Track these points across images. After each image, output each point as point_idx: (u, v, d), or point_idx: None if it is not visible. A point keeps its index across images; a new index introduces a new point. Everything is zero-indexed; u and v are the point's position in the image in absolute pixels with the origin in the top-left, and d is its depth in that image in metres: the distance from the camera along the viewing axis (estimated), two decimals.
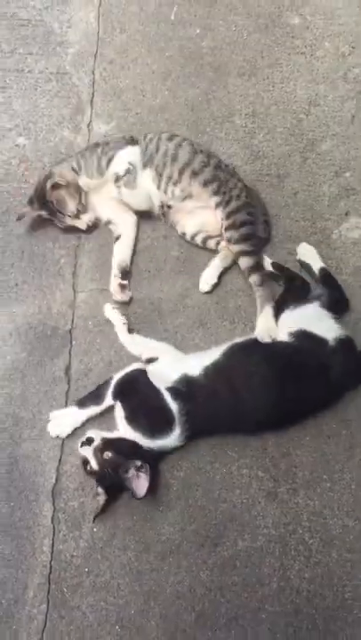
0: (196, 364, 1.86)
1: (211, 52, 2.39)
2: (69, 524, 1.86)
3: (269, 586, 1.81)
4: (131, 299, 2.07)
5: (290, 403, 1.84)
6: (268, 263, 2.05)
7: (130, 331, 1.99)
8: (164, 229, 2.15)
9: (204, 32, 2.42)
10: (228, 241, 2.01)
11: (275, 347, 1.87)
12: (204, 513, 1.87)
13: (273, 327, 1.94)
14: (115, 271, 2.06)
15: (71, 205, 2.03)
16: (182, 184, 2.02)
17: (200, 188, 2.01)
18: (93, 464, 1.76)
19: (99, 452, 1.76)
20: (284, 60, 2.38)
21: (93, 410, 1.89)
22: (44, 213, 2.06)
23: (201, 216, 2.06)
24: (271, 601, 1.80)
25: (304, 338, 1.86)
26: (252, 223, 2.03)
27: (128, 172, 2.04)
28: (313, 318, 1.91)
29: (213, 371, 1.83)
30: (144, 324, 2.04)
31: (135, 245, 2.13)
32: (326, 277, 2.04)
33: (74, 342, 2.04)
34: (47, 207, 2.04)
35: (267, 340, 1.90)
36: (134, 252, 2.12)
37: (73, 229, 2.11)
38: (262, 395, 1.81)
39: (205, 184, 2.01)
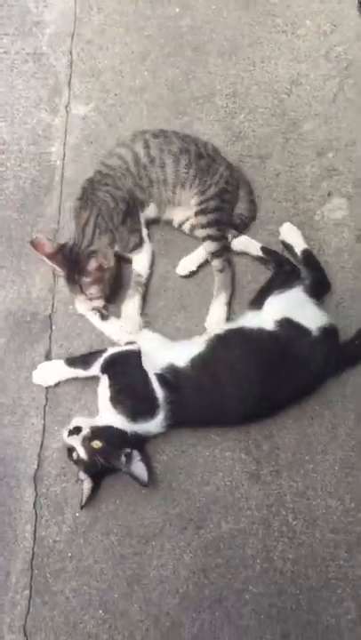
0: (182, 354, 1.82)
1: (190, 32, 2.36)
2: (52, 509, 1.85)
3: (253, 567, 1.81)
4: None
5: (273, 395, 1.83)
6: (257, 248, 2.03)
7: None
8: None
9: (184, 11, 2.38)
10: (196, 226, 2.00)
11: (259, 338, 1.83)
12: (188, 496, 1.86)
13: (222, 318, 1.96)
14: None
15: (95, 290, 1.88)
16: (175, 199, 2.01)
17: (187, 193, 2.00)
18: (82, 453, 1.72)
19: (87, 440, 1.73)
20: (265, 39, 2.35)
21: (79, 372, 1.88)
22: (59, 270, 1.90)
23: (188, 206, 2.03)
24: (255, 582, 1.80)
25: (289, 327, 1.84)
26: (224, 209, 2.01)
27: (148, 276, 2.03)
28: (297, 305, 1.88)
29: (199, 363, 1.80)
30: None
31: None
32: (309, 259, 2.02)
33: (54, 327, 2.02)
34: (69, 272, 1.87)
35: (214, 330, 1.89)
36: None
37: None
38: (246, 389, 1.79)
39: (191, 186, 1.98)
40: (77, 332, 2.01)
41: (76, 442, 1.73)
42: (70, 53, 2.33)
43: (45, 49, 2.34)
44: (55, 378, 1.92)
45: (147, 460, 1.76)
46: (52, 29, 2.36)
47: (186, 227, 2.06)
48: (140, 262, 2.01)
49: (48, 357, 1.98)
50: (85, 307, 1.94)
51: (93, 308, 1.94)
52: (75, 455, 1.75)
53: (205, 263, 2.06)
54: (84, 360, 1.88)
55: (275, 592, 1.79)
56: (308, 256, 2.02)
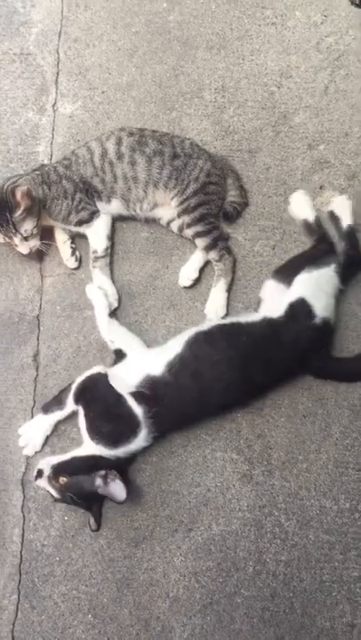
0: (158, 361, 1.75)
1: (178, 26, 2.32)
2: (40, 512, 1.83)
3: (245, 570, 1.77)
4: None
5: (255, 379, 1.79)
6: (312, 214, 2.02)
7: (111, 315, 1.93)
8: None
9: (171, 6, 2.35)
10: (182, 226, 1.98)
11: (244, 328, 1.79)
12: (178, 498, 1.83)
13: (222, 305, 1.94)
14: (64, 238, 2.04)
15: (29, 224, 1.88)
16: (148, 198, 1.98)
17: (163, 194, 1.97)
18: (54, 493, 1.70)
19: (53, 480, 1.69)
20: (255, 32, 2.31)
21: (58, 415, 1.83)
22: None
23: (169, 206, 2.00)
24: (247, 585, 1.76)
25: (298, 308, 1.79)
26: (210, 202, 1.98)
27: (107, 252, 2.00)
28: (322, 286, 1.85)
29: (177, 365, 1.73)
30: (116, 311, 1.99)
31: None
32: (353, 237, 1.99)
33: (42, 328, 2.00)
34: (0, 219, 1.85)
35: (214, 319, 1.89)
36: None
37: (8, 249, 2.00)
38: (228, 380, 1.74)
39: (166, 186, 1.96)
40: (65, 333, 1.98)
41: (44, 484, 1.70)
42: (57, 52, 2.30)
43: (32, 49, 2.32)
44: (41, 436, 1.86)
45: (125, 477, 1.71)
46: (38, 28, 2.34)
47: (174, 226, 2.03)
48: (91, 238, 2.01)
49: (36, 359, 1.96)
50: (25, 249, 1.91)
51: (31, 248, 1.92)
52: (52, 497, 1.72)
53: (205, 266, 2.04)
54: (57, 400, 1.83)
55: (268, 595, 1.75)
56: (353, 234, 1.99)
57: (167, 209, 2.00)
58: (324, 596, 1.75)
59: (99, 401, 1.74)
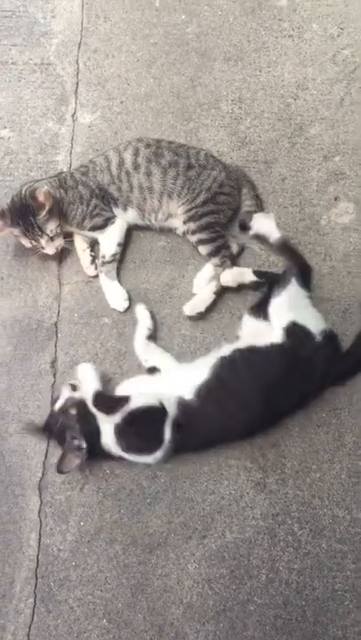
0: (188, 383, 1.77)
1: (196, 38, 2.35)
2: (56, 517, 1.85)
3: (258, 578, 1.78)
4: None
5: (278, 407, 1.82)
6: (249, 274, 1.98)
7: (149, 337, 1.95)
8: None
9: (190, 18, 2.38)
10: (187, 232, 2.01)
11: (266, 355, 1.79)
12: (192, 505, 1.85)
13: (203, 303, 1.99)
14: (83, 246, 2.08)
15: (52, 224, 1.94)
16: (162, 208, 2.01)
17: (175, 204, 2.00)
18: (57, 404, 1.79)
19: (69, 401, 1.77)
20: (271, 44, 2.33)
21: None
22: (15, 231, 1.95)
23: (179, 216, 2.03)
24: (260, 593, 1.77)
25: (296, 332, 1.80)
26: (219, 212, 2.01)
27: (115, 257, 2.03)
28: (297, 302, 1.87)
29: (205, 392, 1.75)
30: (130, 316, 2.02)
31: None
32: (285, 246, 2.00)
33: (59, 335, 2.03)
34: (25, 224, 1.90)
35: (187, 312, 1.96)
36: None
37: (37, 253, 2.03)
38: (252, 408, 1.76)
39: (179, 196, 1.99)
40: (82, 340, 2.01)
41: (64, 393, 1.80)
42: (77, 62, 2.34)
43: (53, 59, 2.36)
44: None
45: (79, 462, 1.75)
46: (59, 39, 2.38)
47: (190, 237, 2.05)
48: (102, 243, 2.04)
49: (54, 365, 1.99)
50: (52, 249, 1.98)
51: (57, 248, 1.99)
52: (53, 402, 1.82)
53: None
54: (110, 402, 1.78)
55: (280, 603, 1.77)
56: (285, 243, 1.99)
57: (181, 218, 2.02)
58: (337, 604, 1.76)
59: (144, 424, 1.76)
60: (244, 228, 2.06)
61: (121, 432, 1.73)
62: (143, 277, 2.07)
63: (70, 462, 1.74)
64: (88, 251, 2.06)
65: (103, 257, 2.03)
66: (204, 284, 2.02)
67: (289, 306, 1.85)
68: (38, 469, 1.89)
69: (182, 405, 1.75)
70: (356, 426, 1.90)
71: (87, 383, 1.81)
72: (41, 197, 1.87)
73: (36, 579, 1.81)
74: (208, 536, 1.82)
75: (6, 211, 1.93)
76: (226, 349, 1.82)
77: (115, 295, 2.00)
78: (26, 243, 1.97)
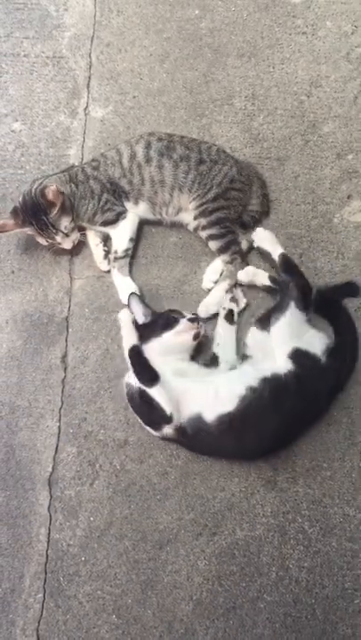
0: (212, 406, 1.72)
1: (210, 34, 2.34)
2: (66, 512, 1.85)
3: (268, 575, 1.78)
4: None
5: (290, 433, 1.84)
6: (265, 277, 1.98)
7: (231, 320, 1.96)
8: None
9: (203, 13, 2.37)
10: (197, 228, 2.01)
11: (285, 390, 1.75)
12: (202, 502, 1.84)
13: (215, 303, 1.97)
14: (96, 240, 2.07)
15: (65, 220, 1.94)
16: (173, 202, 2.01)
17: (186, 198, 1.99)
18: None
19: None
20: (285, 41, 2.33)
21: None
22: (28, 229, 1.94)
23: (190, 211, 2.02)
24: (270, 590, 1.77)
25: (300, 359, 1.78)
26: (230, 208, 2.00)
27: (127, 252, 2.02)
28: (298, 328, 1.84)
29: (226, 424, 1.71)
30: None
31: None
32: (288, 264, 1.94)
33: (70, 330, 2.02)
34: (38, 222, 1.90)
35: (203, 313, 1.95)
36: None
37: (54, 248, 2.04)
38: (266, 439, 1.78)
39: (190, 190, 1.98)
40: (93, 335, 2.00)
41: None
42: (89, 56, 2.33)
43: (65, 52, 2.34)
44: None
45: None
46: (71, 32, 2.37)
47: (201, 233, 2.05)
48: (114, 238, 2.04)
49: (64, 360, 1.98)
50: (68, 244, 2.00)
51: (74, 242, 2.01)
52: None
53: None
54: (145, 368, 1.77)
55: (290, 601, 1.76)
56: (287, 261, 1.95)
57: (191, 213, 2.02)
58: (346, 603, 1.76)
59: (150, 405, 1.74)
60: (245, 227, 2.06)
61: (130, 392, 1.79)
62: (155, 273, 2.06)
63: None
64: (101, 245, 2.05)
65: (115, 252, 2.02)
66: (214, 277, 2.02)
67: (290, 333, 1.82)
68: (48, 464, 1.89)
69: (199, 421, 1.72)
70: None
71: (127, 333, 1.84)
72: (50, 196, 1.84)
73: (46, 574, 1.80)
74: (218, 533, 1.82)
75: (18, 210, 1.91)
76: (251, 376, 1.78)
77: (127, 291, 1.99)
78: (42, 241, 1.97)
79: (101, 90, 2.28)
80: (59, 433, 1.91)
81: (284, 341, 1.81)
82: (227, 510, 1.83)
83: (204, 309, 1.97)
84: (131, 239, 2.03)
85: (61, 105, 2.28)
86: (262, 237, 1.99)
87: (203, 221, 1.98)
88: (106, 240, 2.07)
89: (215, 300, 1.98)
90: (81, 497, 1.86)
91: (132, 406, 1.83)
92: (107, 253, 2.05)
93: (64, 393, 1.95)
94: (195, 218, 2.00)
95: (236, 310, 1.96)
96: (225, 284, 1.99)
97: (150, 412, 1.75)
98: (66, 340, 2.01)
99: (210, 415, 1.72)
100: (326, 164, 2.17)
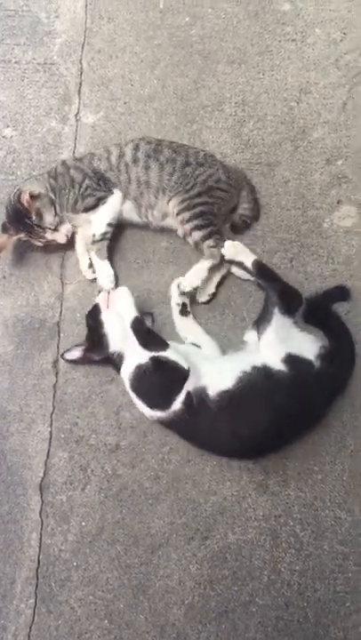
0: (215, 381, 1.75)
1: (200, 40, 2.36)
2: (57, 517, 1.85)
3: (260, 579, 1.79)
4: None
5: (284, 434, 1.81)
6: (249, 259, 1.95)
7: (186, 313, 1.98)
8: None
9: (194, 20, 2.39)
10: (181, 222, 2.00)
11: (279, 382, 1.76)
12: (194, 506, 1.85)
13: (197, 280, 1.96)
14: (83, 249, 2.09)
15: (49, 217, 1.98)
16: (158, 205, 2.02)
17: (171, 200, 1.99)
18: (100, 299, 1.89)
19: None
20: (275, 48, 2.35)
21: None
22: (22, 236, 1.99)
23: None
24: (262, 594, 1.78)
25: (294, 363, 1.77)
26: (213, 204, 2.00)
27: (105, 236, 2.03)
28: (286, 333, 1.83)
29: (225, 400, 1.72)
30: None
31: (121, 235, 2.12)
32: (263, 270, 1.93)
33: (62, 335, 2.02)
34: (25, 227, 1.96)
35: (187, 289, 1.95)
36: (122, 243, 2.11)
37: (52, 246, 2.06)
38: (258, 432, 1.74)
39: (171, 191, 1.99)
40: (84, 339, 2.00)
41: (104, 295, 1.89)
42: (80, 62, 2.34)
43: (56, 58, 2.36)
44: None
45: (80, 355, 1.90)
46: (62, 39, 2.38)
47: (190, 240, 2.05)
48: (93, 222, 2.04)
49: (55, 365, 1.98)
50: (62, 237, 2.02)
51: (67, 234, 2.03)
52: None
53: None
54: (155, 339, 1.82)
55: (282, 604, 1.77)
56: (261, 267, 1.94)
57: (175, 211, 2.01)
58: (338, 606, 1.77)
59: (162, 375, 1.75)
60: (236, 230, 2.09)
61: (139, 373, 1.76)
62: (146, 278, 2.07)
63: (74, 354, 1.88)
64: (87, 254, 2.06)
65: (93, 236, 2.03)
66: (209, 290, 2.04)
67: (279, 340, 1.81)
68: (40, 469, 1.89)
69: (203, 394, 1.73)
70: (358, 428, 1.91)
71: (126, 307, 1.83)
72: (24, 202, 1.91)
73: (37, 579, 1.80)
74: (210, 537, 1.82)
75: (6, 222, 1.98)
76: (253, 358, 1.80)
77: (102, 274, 2.01)
78: (37, 243, 2.01)
79: (92, 96, 2.29)
80: (50, 438, 1.91)
81: (275, 349, 1.80)
82: (218, 514, 1.84)
83: (186, 284, 1.95)
84: (109, 224, 2.03)
85: (52, 111, 2.29)
86: (232, 250, 1.96)
87: (186, 215, 1.98)
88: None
89: (197, 274, 1.96)
90: (72, 502, 1.86)
91: (138, 391, 1.78)
92: (92, 263, 2.05)
93: (55, 398, 1.95)
94: (178, 213, 1.99)
95: (188, 302, 1.99)
96: (208, 263, 1.97)
97: (163, 384, 1.74)
98: (57, 345, 2.01)
99: (212, 391, 1.73)
100: (316, 169, 2.19)
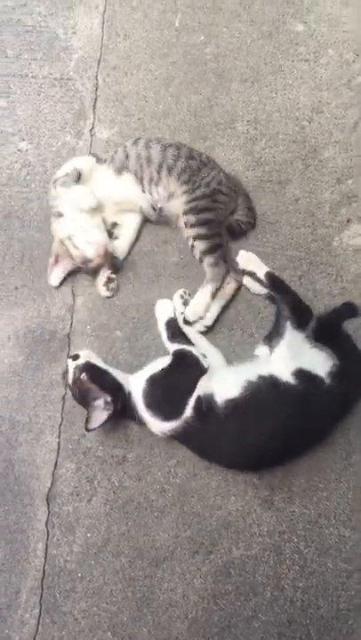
0: (223, 389, 1.76)
1: (214, 59, 2.40)
2: (63, 528, 1.86)
3: (263, 595, 1.79)
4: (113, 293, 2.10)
5: (290, 447, 1.82)
6: (262, 270, 1.98)
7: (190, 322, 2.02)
8: (163, 235, 2.15)
9: (208, 39, 2.42)
10: (185, 224, 2.04)
11: (287, 393, 1.76)
12: (199, 520, 1.86)
13: (202, 308, 2.00)
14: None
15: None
16: (163, 182, 2.05)
17: (176, 183, 2.04)
18: (69, 378, 1.83)
19: (77, 370, 1.80)
20: (288, 67, 2.38)
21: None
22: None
23: (179, 201, 2.06)
24: (265, 610, 1.78)
25: (304, 378, 1.78)
26: (216, 210, 2.04)
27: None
28: (298, 349, 1.83)
29: (231, 408, 1.73)
30: (142, 329, 2.04)
31: (133, 247, 2.15)
32: (275, 282, 1.96)
33: (72, 347, 2.04)
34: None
35: (191, 319, 1.98)
36: (134, 258, 2.14)
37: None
38: (265, 442, 1.74)
39: (179, 177, 2.04)
40: (95, 352, 2.01)
41: (70, 366, 1.84)
42: (96, 78, 2.38)
43: (72, 74, 2.39)
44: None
45: (109, 413, 1.77)
46: (79, 55, 2.42)
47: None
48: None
49: (65, 377, 2.00)
50: (105, 292, 2.10)
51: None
52: (67, 377, 1.86)
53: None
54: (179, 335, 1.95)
55: (284, 621, 1.77)
56: (274, 279, 1.96)
57: (181, 207, 2.05)
58: (341, 623, 1.77)
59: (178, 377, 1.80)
60: (233, 234, 2.12)
61: (152, 383, 1.80)
62: (156, 292, 2.09)
63: (97, 419, 1.77)
64: (106, 273, 2.08)
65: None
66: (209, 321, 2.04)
67: (291, 355, 1.82)
68: (47, 479, 1.90)
69: (211, 401, 1.74)
70: None
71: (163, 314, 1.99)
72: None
73: (42, 589, 1.81)
74: (214, 551, 1.83)
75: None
76: (261, 368, 1.82)
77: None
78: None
79: (107, 111, 2.33)
80: (58, 449, 1.93)
81: (287, 363, 1.81)
82: (223, 529, 1.85)
83: (191, 316, 1.99)
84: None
85: (67, 125, 2.32)
86: (246, 259, 2.01)
87: (192, 219, 2.02)
88: (110, 267, 2.09)
89: (201, 304, 2.00)
90: (79, 513, 1.87)
91: (152, 403, 1.79)
92: (108, 280, 2.07)
93: (64, 409, 1.97)
94: (184, 213, 2.04)
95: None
96: (209, 288, 2.00)
97: (179, 383, 1.78)
98: (67, 357, 2.03)
99: (219, 398, 1.74)
100: (326, 188, 2.21)
